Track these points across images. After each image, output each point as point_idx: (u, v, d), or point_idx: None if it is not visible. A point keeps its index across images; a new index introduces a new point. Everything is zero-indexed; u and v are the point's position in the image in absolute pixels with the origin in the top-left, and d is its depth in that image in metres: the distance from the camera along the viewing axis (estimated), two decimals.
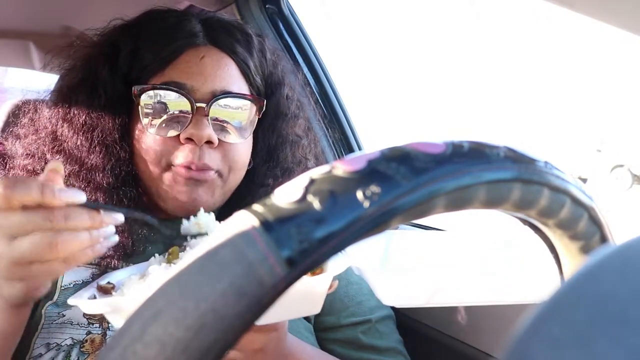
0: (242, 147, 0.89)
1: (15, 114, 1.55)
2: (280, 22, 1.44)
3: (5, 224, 0.56)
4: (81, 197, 0.57)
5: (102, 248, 0.60)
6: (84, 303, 0.59)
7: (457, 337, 1.01)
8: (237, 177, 0.90)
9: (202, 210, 0.70)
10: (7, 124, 1.55)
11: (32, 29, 1.72)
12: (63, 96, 0.89)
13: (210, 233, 0.66)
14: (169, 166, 0.84)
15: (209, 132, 0.82)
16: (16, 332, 0.69)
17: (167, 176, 0.84)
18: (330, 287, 0.62)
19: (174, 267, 0.65)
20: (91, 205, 0.59)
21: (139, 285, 0.64)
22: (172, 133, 0.84)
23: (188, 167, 0.83)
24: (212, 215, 0.70)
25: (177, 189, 0.84)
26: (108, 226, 0.60)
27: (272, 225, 0.26)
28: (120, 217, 0.61)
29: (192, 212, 0.86)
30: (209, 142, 0.83)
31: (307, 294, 0.57)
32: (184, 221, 0.68)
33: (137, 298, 0.56)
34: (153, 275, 0.63)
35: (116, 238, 0.61)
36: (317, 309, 0.60)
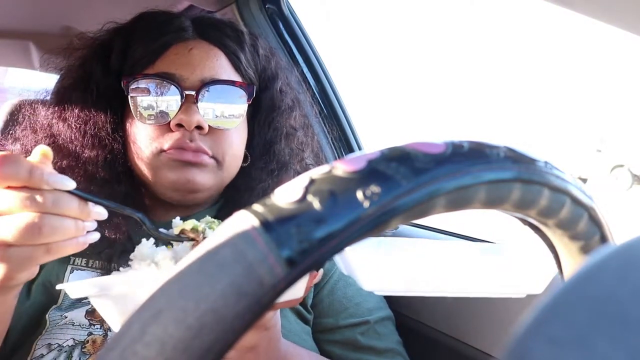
0: (234, 134, 0.89)
1: (14, 114, 1.55)
2: (280, 22, 1.44)
3: None
4: (71, 183, 0.54)
5: (84, 243, 0.57)
6: (70, 286, 0.55)
7: (457, 337, 1.01)
8: (233, 162, 0.90)
9: (177, 218, 0.65)
10: (6, 123, 1.55)
11: (32, 29, 1.72)
12: (60, 96, 0.92)
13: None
14: (160, 151, 0.85)
15: (198, 117, 0.83)
16: (3, 316, 0.66)
17: (159, 160, 0.85)
18: (315, 276, 0.61)
19: (162, 249, 0.63)
20: (79, 195, 0.55)
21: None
22: (163, 121, 0.85)
23: (179, 149, 0.84)
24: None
25: (170, 171, 0.85)
26: (92, 221, 0.57)
27: (272, 225, 0.26)
28: (104, 213, 0.58)
29: (188, 195, 0.87)
30: (200, 128, 0.84)
31: None
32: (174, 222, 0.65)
33: (122, 278, 0.55)
34: (141, 246, 0.60)
35: (97, 235, 0.58)
36: (299, 294, 0.59)
